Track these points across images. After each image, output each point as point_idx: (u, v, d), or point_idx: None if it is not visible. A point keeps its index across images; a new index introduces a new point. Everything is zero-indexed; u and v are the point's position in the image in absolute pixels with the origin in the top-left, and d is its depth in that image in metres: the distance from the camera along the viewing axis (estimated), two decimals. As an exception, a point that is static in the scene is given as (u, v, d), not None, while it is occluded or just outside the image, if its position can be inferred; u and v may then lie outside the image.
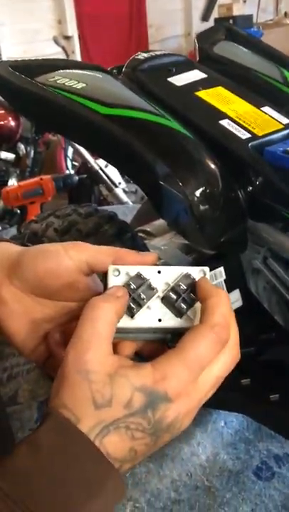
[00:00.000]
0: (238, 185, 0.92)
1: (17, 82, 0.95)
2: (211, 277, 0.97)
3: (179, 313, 0.47)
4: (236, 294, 1.01)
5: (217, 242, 0.93)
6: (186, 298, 0.46)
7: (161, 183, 0.84)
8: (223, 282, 0.99)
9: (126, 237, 0.98)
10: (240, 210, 0.93)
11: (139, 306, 0.47)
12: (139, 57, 1.11)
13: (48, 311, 0.50)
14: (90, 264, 0.48)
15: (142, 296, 0.46)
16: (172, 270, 0.48)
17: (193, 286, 0.47)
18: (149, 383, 0.39)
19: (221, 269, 0.99)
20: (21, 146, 3.03)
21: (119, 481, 0.39)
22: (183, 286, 0.46)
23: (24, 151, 3.04)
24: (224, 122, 0.96)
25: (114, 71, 1.13)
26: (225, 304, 0.43)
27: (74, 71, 1.03)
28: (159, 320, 0.47)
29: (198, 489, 0.95)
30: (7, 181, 2.83)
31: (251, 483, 0.96)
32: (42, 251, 0.50)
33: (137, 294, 0.46)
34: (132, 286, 0.47)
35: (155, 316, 0.47)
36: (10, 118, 2.93)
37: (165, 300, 0.47)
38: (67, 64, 1.07)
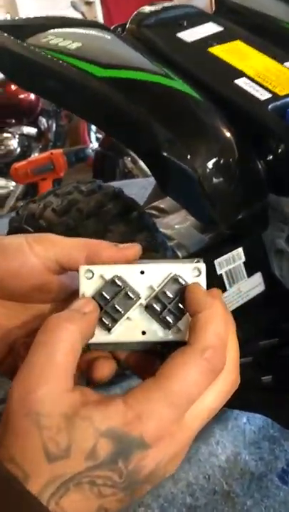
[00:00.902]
0: (256, 154, 0.80)
1: (3, 44, 0.84)
2: (228, 260, 0.86)
3: (166, 325, 0.39)
4: (257, 277, 0.90)
5: (233, 221, 0.81)
6: (172, 309, 0.38)
7: (165, 154, 0.73)
8: (242, 265, 0.88)
9: (132, 216, 0.88)
10: (260, 183, 0.81)
11: (115, 320, 0.39)
12: (145, 10, 0.98)
13: (17, 315, 0.43)
14: (60, 262, 0.41)
15: (118, 308, 0.38)
16: (158, 270, 0.39)
17: (182, 293, 0.38)
18: (119, 425, 0.31)
19: (240, 250, 0.88)
20: (43, 120, 2.95)
21: None
22: (169, 294, 0.38)
23: (46, 125, 2.96)
24: (240, 81, 0.83)
25: (118, 29, 1.00)
26: (220, 319, 0.34)
27: (69, 30, 0.91)
28: (143, 333, 0.40)
29: (216, 494, 0.86)
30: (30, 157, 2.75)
31: (275, 488, 0.86)
32: (1, 246, 0.41)
33: (111, 306, 0.38)
34: (105, 296, 0.39)
35: (137, 328, 0.40)
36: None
37: (149, 310, 0.39)
38: (63, 22, 0.96)
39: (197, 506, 0.85)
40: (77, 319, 0.35)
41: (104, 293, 0.38)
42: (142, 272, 0.39)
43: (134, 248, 0.41)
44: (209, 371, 0.33)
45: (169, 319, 0.38)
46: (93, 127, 3.04)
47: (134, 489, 0.32)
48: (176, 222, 1.03)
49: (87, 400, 0.33)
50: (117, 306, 0.38)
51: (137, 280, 0.39)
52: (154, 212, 1.09)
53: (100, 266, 0.39)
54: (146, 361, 0.41)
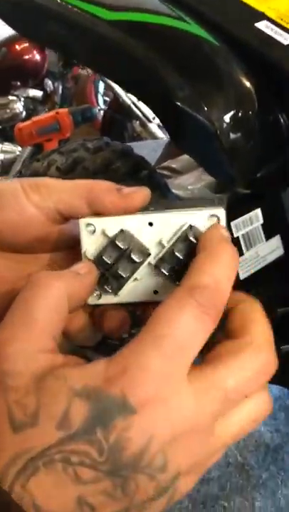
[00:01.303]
0: (278, 105, 0.73)
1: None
2: (245, 222, 0.80)
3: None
4: (276, 241, 0.84)
5: (252, 179, 0.75)
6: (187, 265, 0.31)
7: (179, 104, 0.66)
8: (260, 227, 0.82)
9: (141, 175, 0.82)
10: (281, 138, 0.75)
11: (120, 283, 0.35)
12: None
13: (20, 267, 0.39)
14: (60, 211, 0.36)
15: (123, 272, 0.34)
16: (169, 220, 0.34)
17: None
18: (98, 382, 0.25)
19: (258, 211, 0.82)
20: (48, 82, 2.86)
21: None
22: (181, 250, 0.33)
23: (52, 88, 2.87)
24: (261, 25, 0.76)
25: None
26: (222, 260, 0.28)
27: None
28: (155, 292, 0.35)
29: (230, 466, 0.83)
30: (35, 119, 2.67)
31: (292, 461, 0.82)
32: None
33: (115, 270, 0.34)
34: (108, 258, 0.34)
35: (148, 287, 0.35)
36: (35, 51, 2.74)
37: (159, 269, 0.34)
38: None
39: (210, 479, 0.82)
40: (68, 278, 0.31)
41: (107, 254, 0.34)
42: (151, 224, 0.34)
43: (141, 194, 0.36)
44: (202, 313, 0.27)
45: (182, 272, 0.32)
46: (101, 89, 2.94)
47: (124, 480, 0.25)
48: (190, 183, 0.97)
49: (67, 361, 0.27)
50: (121, 270, 0.34)
51: (144, 234, 0.34)
52: (165, 172, 1.03)
53: (102, 218, 0.35)
54: None
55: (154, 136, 2.58)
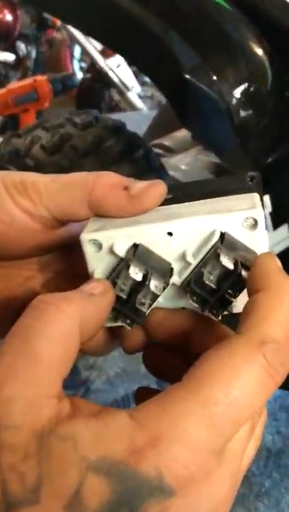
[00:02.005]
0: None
1: None
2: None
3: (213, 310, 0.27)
4: (285, 230, 0.77)
5: (263, 163, 0.67)
6: (218, 292, 0.26)
7: (187, 76, 0.58)
8: (269, 216, 0.75)
9: (137, 154, 0.74)
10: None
11: (139, 314, 0.27)
12: None
13: (23, 273, 0.32)
14: (55, 217, 0.29)
15: (140, 306, 0.27)
16: (193, 226, 0.26)
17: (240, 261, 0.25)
18: (122, 453, 0.19)
19: (266, 198, 0.74)
20: (21, 46, 2.69)
21: None
22: (212, 268, 0.26)
23: (25, 51, 2.70)
24: (277, -14, 0.67)
25: None
26: None
27: None
28: (183, 308, 0.29)
29: (229, 473, 0.77)
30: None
31: (296, 466, 0.77)
32: None
33: (131, 303, 0.27)
34: (121, 286, 0.27)
35: (174, 303, 0.29)
36: (6, 11, 2.56)
37: (187, 291, 0.27)
38: None
39: (208, 486, 0.76)
40: (80, 301, 0.24)
41: (121, 281, 0.26)
42: (170, 234, 0.26)
43: (156, 192, 0.27)
44: (268, 376, 0.20)
45: (215, 303, 0.26)
46: (77, 54, 2.79)
47: None
48: (185, 163, 0.88)
49: (76, 412, 0.20)
50: (139, 300, 0.26)
51: (163, 246, 0.26)
52: (158, 150, 0.93)
53: (108, 232, 0.27)
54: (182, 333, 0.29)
55: (132, 105, 2.46)
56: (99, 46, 2.33)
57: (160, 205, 0.28)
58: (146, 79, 2.44)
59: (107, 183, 0.28)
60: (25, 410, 0.20)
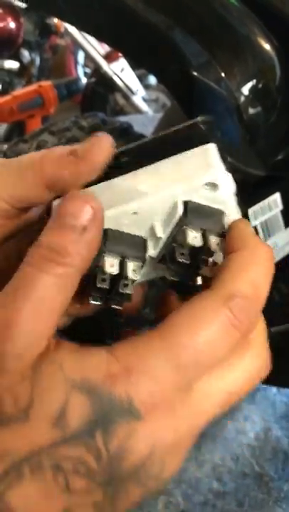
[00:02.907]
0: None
1: None
2: (264, 209, 0.71)
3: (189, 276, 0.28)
4: (296, 229, 0.75)
5: (273, 161, 0.66)
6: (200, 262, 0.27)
7: (194, 73, 0.57)
8: (280, 214, 0.73)
9: (145, 156, 0.72)
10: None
11: (123, 298, 0.29)
12: None
13: None
14: (15, 205, 0.29)
15: (124, 282, 0.28)
16: (155, 203, 0.26)
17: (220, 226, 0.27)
18: (100, 377, 0.23)
19: (277, 196, 0.73)
20: (25, 53, 2.70)
21: None
22: (182, 239, 0.26)
23: (28, 58, 2.71)
24: (283, -20, 0.66)
25: None
26: (262, 265, 0.25)
27: None
28: (161, 278, 0.30)
29: (246, 478, 0.76)
30: (13, 93, 2.52)
31: (315, 469, 0.76)
32: None
33: (114, 292, 0.28)
34: (101, 282, 0.28)
35: (157, 274, 0.30)
36: (9, 19, 2.57)
37: (162, 262, 0.29)
38: None
39: (226, 492, 0.75)
40: (57, 268, 0.25)
41: (98, 274, 0.27)
42: (135, 213, 0.27)
43: (101, 146, 0.28)
44: (232, 327, 0.24)
45: (192, 274, 0.27)
46: (81, 60, 2.80)
47: (116, 490, 0.22)
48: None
49: (61, 346, 0.24)
50: (121, 286, 0.27)
51: (132, 226, 0.27)
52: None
53: None
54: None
55: (138, 109, 2.46)
56: (102, 51, 2.33)
57: (118, 175, 0.28)
58: (151, 82, 2.44)
59: (53, 156, 0.29)
60: (28, 344, 0.23)
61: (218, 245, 0.26)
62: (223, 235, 0.26)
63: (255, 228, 0.71)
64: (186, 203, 0.26)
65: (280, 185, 0.74)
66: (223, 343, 0.23)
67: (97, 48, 2.33)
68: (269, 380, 0.73)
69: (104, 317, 0.79)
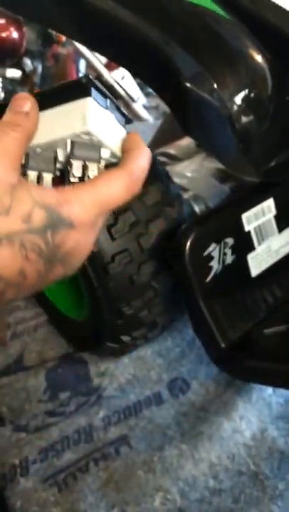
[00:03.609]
0: (294, 85, 0.66)
1: None
2: (257, 214, 0.74)
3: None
4: (289, 233, 0.78)
5: (266, 168, 0.68)
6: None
7: (188, 85, 0.59)
8: (273, 219, 0.75)
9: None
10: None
11: None
12: None
13: None
14: None
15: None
16: (45, 151, 0.40)
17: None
18: (53, 203, 0.37)
19: (270, 201, 0.75)
20: (27, 62, 2.73)
21: None
22: (74, 167, 0.40)
23: (31, 67, 2.74)
24: (273, -5, 0.68)
25: None
26: (146, 159, 0.41)
27: None
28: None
29: (242, 476, 0.77)
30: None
31: (309, 467, 0.77)
32: None
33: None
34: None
35: None
36: (12, 28, 2.60)
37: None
38: None
39: (222, 490, 0.76)
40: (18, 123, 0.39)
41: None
42: (41, 146, 0.39)
43: (25, 108, 0.40)
44: (130, 189, 0.39)
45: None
46: (82, 68, 2.82)
47: (52, 265, 0.37)
48: (190, 170, 0.89)
49: (28, 183, 0.38)
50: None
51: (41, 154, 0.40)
52: (164, 159, 0.95)
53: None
54: None
55: (138, 116, 2.48)
56: (104, 59, 2.35)
57: None
58: (151, 90, 2.46)
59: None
60: (5, 172, 0.36)
61: (95, 170, 0.39)
62: (99, 161, 0.40)
63: (249, 233, 0.73)
64: (72, 143, 0.39)
65: (273, 191, 0.76)
66: (123, 196, 0.39)
67: (98, 57, 2.36)
68: (265, 381, 0.75)
69: (103, 321, 0.81)
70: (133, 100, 2.45)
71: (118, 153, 0.41)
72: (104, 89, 0.41)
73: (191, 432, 0.82)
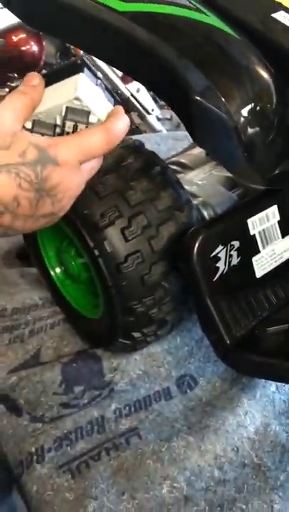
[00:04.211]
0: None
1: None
2: (262, 219, 0.78)
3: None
4: (293, 238, 0.82)
5: (270, 176, 0.73)
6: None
7: (197, 98, 0.64)
8: (277, 225, 0.80)
9: (154, 171, 0.80)
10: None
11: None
12: None
13: None
14: None
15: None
16: (49, 112, 0.52)
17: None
18: (44, 144, 0.47)
19: (274, 207, 0.80)
20: (46, 74, 2.80)
21: None
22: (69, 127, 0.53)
23: (49, 79, 2.81)
24: (278, 15, 0.74)
25: None
26: (124, 123, 0.53)
27: None
28: None
29: (246, 467, 0.81)
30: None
31: (310, 460, 0.81)
32: None
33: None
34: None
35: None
36: (32, 42, 2.69)
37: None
38: None
39: (226, 480, 0.81)
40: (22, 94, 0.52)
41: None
42: (44, 112, 0.53)
43: (33, 82, 0.53)
44: (108, 143, 0.51)
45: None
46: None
47: (40, 195, 0.46)
48: (200, 178, 0.95)
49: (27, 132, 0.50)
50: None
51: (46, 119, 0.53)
52: (175, 167, 1.00)
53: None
54: None
55: (152, 128, 2.54)
56: (120, 72, 2.42)
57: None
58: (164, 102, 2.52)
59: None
60: (11, 121, 0.48)
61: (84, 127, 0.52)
62: (88, 125, 0.52)
63: (254, 236, 0.78)
64: (66, 108, 0.51)
65: (277, 198, 0.81)
66: (102, 148, 0.51)
67: (114, 70, 2.44)
68: (266, 375, 0.79)
69: (116, 318, 0.86)
70: (148, 112, 2.51)
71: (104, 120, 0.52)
72: (96, 72, 0.56)
73: (197, 425, 0.87)
